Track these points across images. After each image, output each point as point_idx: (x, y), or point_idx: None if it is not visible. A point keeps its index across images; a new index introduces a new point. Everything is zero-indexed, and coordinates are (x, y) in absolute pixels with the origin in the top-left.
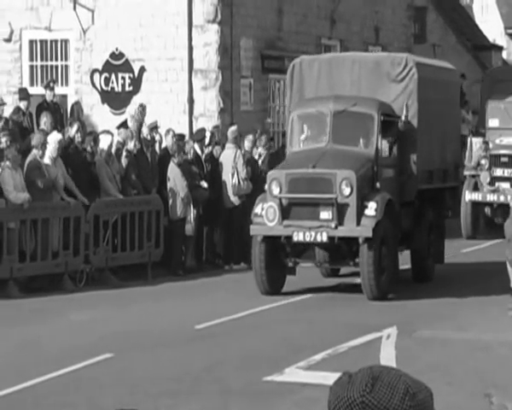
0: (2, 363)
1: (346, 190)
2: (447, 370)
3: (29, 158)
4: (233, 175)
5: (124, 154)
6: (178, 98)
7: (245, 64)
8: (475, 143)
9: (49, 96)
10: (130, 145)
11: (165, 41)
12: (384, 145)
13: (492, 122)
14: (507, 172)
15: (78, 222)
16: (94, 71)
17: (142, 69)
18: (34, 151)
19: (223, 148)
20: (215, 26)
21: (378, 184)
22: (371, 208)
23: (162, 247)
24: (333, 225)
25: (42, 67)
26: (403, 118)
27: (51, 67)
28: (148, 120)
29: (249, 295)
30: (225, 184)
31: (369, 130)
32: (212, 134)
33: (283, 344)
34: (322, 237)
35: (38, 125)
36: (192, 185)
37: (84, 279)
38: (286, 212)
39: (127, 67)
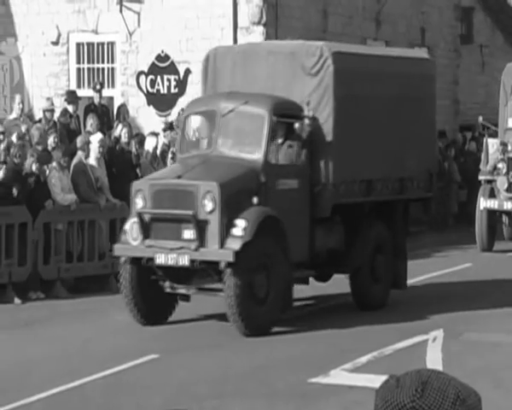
0: (49, 363)
1: (208, 206)
2: (495, 374)
3: (75, 160)
4: None
5: (169, 156)
6: None
7: None
8: (492, 144)
9: (96, 98)
10: (176, 147)
11: (211, 43)
12: (286, 151)
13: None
14: None
15: (124, 223)
16: (140, 73)
17: (188, 71)
18: (79, 153)
19: None
20: (260, 28)
21: (255, 199)
22: (239, 227)
23: None
24: (193, 246)
25: (89, 69)
26: (307, 118)
27: (98, 69)
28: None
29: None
30: None
31: (259, 132)
32: None
33: (329, 346)
34: (184, 260)
35: (85, 127)
36: None
37: None
38: (148, 229)
39: (173, 69)
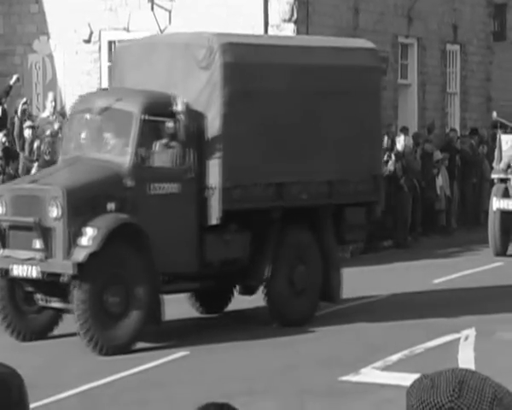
0: (81, 360)
1: (53, 212)
2: None
3: None
4: None
5: None
6: None
7: None
8: (506, 141)
9: None
10: None
11: None
12: (165, 152)
13: None
14: None
15: None
16: None
17: None
18: None
19: None
20: (291, 26)
21: (112, 205)
22: (86, 236)
23: None
24: (41, 256)
25: None
26: (180, 116)
27: None
28: None
29: None
30: None
31: (128, 133)
32: None
33: (359, 344)
34: (33, 271)
35: None
36: None
37: None
38: (6, 238)
39: None
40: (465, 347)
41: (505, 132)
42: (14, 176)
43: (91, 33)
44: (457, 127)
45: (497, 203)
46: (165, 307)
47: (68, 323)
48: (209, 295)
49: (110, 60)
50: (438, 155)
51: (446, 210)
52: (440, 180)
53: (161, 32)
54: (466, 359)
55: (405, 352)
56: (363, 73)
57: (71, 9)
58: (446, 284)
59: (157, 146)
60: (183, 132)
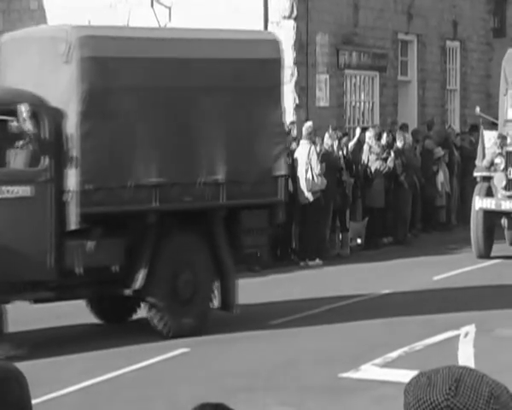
0: (79, 356)
1: None
2: None
3: None
4: (307, 171)
5: None
6: None
7: (321, 60)
8: (489, 137)
9: None
10: None
11: None
12: (16, 153)
13: None
14: None
15: None
16: None
17: None
18: None
19: (298, 144)
20: (291, 22)
21: None
22: None
23: None
24: None
25: None
26: (23, 115)
27: None
28: None
29: (325, 292)
30: (300, 180)
31: None
32: (290, 130)
33: (359, 341)
34: None
35: None
36: None
37: None
38: None
39: None
40: (465, 343)
41: (488, 128)
42: None
43: None
44: (457, 124)
45: (480, 203)
46: None
47: (69, 318)
48: (106, 304)
49: None
50: (439, 151)
51: (446, 207)
52: (441, 176)
53: None
54: (466, 355)
55: (405, 349)
56: (260, 67)
57: (71, 6)
58: (446, 281)
59: (7, 147)
60: (30, 133)
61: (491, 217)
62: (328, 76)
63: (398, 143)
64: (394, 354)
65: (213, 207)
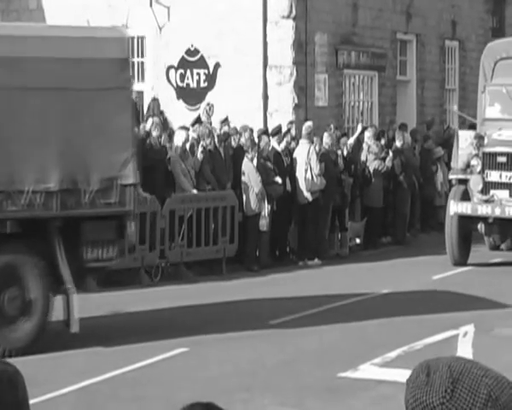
0: (81, 356)
1: None
2: None
3: None
4: (306, 171)
5: (199, 149)
6: (253, 94)
7: (320, 60)
8: (465, 138)
9: None
10: (206, 141)
11: (240, 37)
12: None
13: (491, 111)
14: (505, 177)
15: (153, 217)
16: (169, 67)
17: (217, 65)
18: None
19: (297, 144)
20: (290, 22)
21: None
22: None
23: (236, 242)
24: None
25: None
26: None
27: None
28: (221, 116)
29: (323, 291)
30: (298, 180)
31: None
32: (288, 130)
33: (358, 341)
34: None
35: None
36: (266, 181)
37: (160, 274)
38: None
39: (202, 63)
40: (464, 343)
41: (464, 128)
42: None
43: None
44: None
45: (455, 207)
46: (164, 300)
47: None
48: None
49: None
50: (439, 151)
51: (445, 207)
52: (440, 176)
53: (160, 28)
54: (465, 355)
55: (404, 348)
56: (103, 66)
57: (69, 6)
58: (445, 281)
59: None
60: None
61: (467, 222)
62: (326, 76)
63: (397, 143)
64: (393, 354)
65: (45, 217)
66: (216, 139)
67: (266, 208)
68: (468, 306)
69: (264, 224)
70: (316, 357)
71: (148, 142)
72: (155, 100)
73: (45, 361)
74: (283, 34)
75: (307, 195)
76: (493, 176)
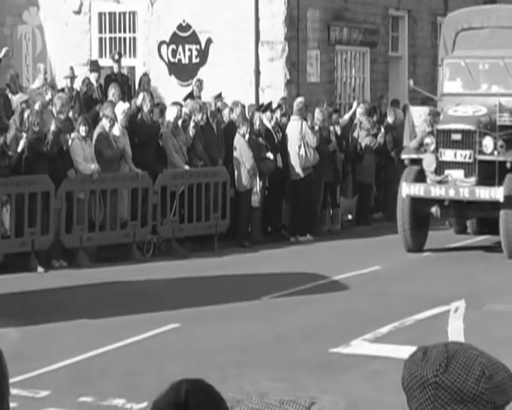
0: (71, 332)
1: None
2: None
3: (97, 129)
4: (300, 147)
5: (191, 125)
6: (245, 70)
7: (311, 36)
8: (419, 114)
9: (115, 68)
10: (198, 117)
11: (232, 13)
12: None
13: (449, 86)
14: (460, 156)
15: (145, 193)
16: (161, 43)
17: (209, 41)
18: (103, 122)
19: (288, 119)
20: (281, 1)
21: None
22: None
23: (228, 218)
24: None
25: (110, 39)
26: None
27: (119, 39)
28: (213, 92)
29: (315, 267)
30: (290, 156)
31: None
32: (279, 106)
33: (349, 316)
34: None
35: (107, 96)
36: (258, 157)
37: (152, 250)
38: None
39: (194, 38)
40: (455, 319)
41: (417, 104)
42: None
43: (81, 5)
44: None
45: (407, 189)
46: (156, 276)
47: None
48: None
49: (100, 31)
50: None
51: None
52: None
53: (152, 3)
54: (455, 330)
55: (395, 324)
56: None
57: None
58: (436, 257)
59: None
60: None
61: (421, 205)
62: (318, 52)
63: (389, 119)
64: (385, 330)
65: None
66: (209, 114)
67: (258, 184)
68: (459, 281)
69: (255, 200)
70: (307, 333)
71: (140, 117)
72: (145, 75)
73: (34, 336)
74: (275, 10)
75: (299, 171)
76: (447, 155)
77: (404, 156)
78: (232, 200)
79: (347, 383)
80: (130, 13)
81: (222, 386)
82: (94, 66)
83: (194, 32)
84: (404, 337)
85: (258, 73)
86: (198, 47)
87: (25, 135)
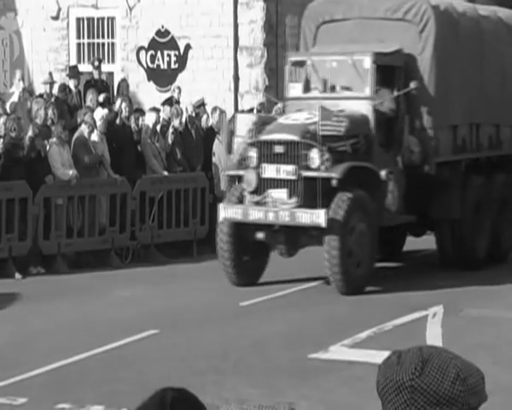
0: (49, 338)
1: None
2: (494, 349)
3: (76, 134)
4: None
5: (170, 131)
6: (224, 76)
7: (290, 41)
8: (245, 122)
9: (95, 74)
10: (176, 123)
11: (211, 18)
12: None
13: (292, 89)
14: (283, 172)
15: (124, 199)
16: (140, 48)
17: (188, 47)
18: (81, 128)
19: None
20: (260, 3)
21: None
22: None
23: (207, 224)
24: None
25: (89, 44)
26: None
27: (98, 44)
28: (194, 98)
29: (295, 273)
30: None
31: None
32: (259, 111)
33: (328, 322)
34: None
35: (85, 102)
36: None
37: (130, 256)
38: None
39: (173, 44)
40: (433, 324)
41: (243, 112)
42: None
43: (59, 10)
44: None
45: (224, 212)
46: (134, 287)
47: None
48: None
49: (78, 37)
50: None
51: None
52: None
53: (130, 9)
54: (434, 335)
55: (374, 329)
56: None
57: None
58: (415, 260)
59: None
60: None
61: (248, 229)
62: None
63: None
64: (363, 335)
65: None
66: (187, 120)
67: None
68: (437, 286)
69: None
70: (286, 338)
71: (118, 123)
72: (124, 81)
73: (12, 342)
74: (254, 16)
75: None
76: (270, 171)
77: (226, 173)
78: (211, 206)
79: (326, 388)
80: (108, 18)
81: (201, 392)
82: (73, 72)
83: (172, 38)
84: (382, 343)
85: (237, 78)
86: (177, 53)
87: (1, 141)
